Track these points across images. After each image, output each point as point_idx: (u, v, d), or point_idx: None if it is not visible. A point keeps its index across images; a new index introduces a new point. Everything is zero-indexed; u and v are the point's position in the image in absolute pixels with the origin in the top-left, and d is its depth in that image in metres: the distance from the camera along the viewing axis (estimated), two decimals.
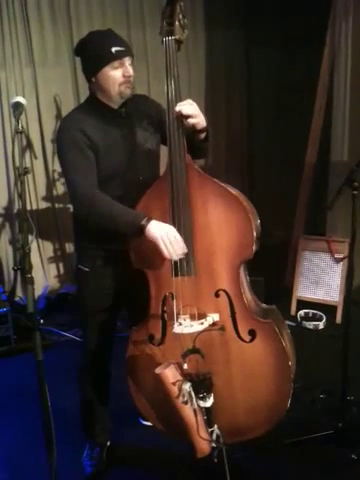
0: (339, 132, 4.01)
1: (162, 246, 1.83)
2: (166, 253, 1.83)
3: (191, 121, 1.88)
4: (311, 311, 3.85)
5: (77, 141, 1.94)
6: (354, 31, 3.81)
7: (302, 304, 3.90)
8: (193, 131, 1.94)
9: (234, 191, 1.90)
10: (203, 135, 2.00)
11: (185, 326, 1.86)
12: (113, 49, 1.92)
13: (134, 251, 1.98)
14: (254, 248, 1.86)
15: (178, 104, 1.87)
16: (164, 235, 1.83)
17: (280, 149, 4.78)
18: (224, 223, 1.87)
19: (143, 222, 1.84)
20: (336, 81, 3.98)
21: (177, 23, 1.86)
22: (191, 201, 1.88)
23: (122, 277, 2.11)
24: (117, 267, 2.10)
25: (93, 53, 1.96)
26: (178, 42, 1.88)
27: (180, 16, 1.87)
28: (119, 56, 1.93)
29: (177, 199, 1.87)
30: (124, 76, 1.95)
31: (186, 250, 1.86)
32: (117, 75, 1.95)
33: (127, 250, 1.98)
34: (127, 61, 1.96)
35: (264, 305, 2.08)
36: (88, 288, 2.18)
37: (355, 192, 2.22)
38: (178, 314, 1.90)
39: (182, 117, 1.87)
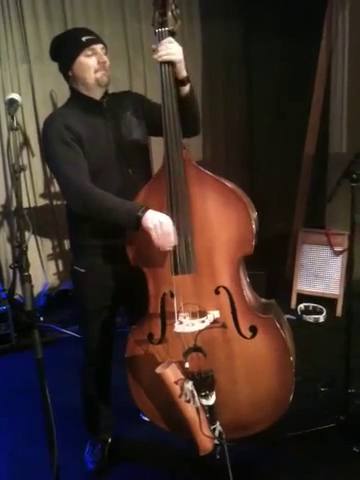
0: (337, 124, 4.00)
1: (154, 235, 1.81)
2: (156, 243, 1.82)
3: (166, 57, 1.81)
4: (311, 304, 3.84)
5: (63, 136, 1.93)
6: (351, 23, 3.79)
7: (302, 297, 3.90)
8: (176, 83, 1.88)
9: (231, 185, 1.88)
10: (187, 88, 1.94)
11: (186, 325, 1.84)
12: (83, 38, 1.98)
13: (131, 248, 1.95)
14: (254, 243, 1.84)
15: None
16: (158, 224, 1.81)
17: (279, 141, 4.76)
18: (223, 218, 1.85)
19: (139, 213, 1.82)
20: (334, 73, 3.97)
21: (170, 13, 1.83)
22: (189, 197, 1.86)
23: (120, 276, 2.09)
24: (114, 265, 2.08)
25: (65, 46, 2.01)
26: (171, 33, 1.85)
27: (173, 6, 1.83)
28: (89, 43, 1.98)
29: (175, 195, 1.84)
30: (98, 62, 1.98)
31: (176, 243, 1.84)
32: (91, 62, 1.98)
33: (124, 246, 1.96)
34: (99, 48, 2.00)
35: (264, 300, 2.08)
36: (85, 289, 2.16)
37: (354, 184, 2.21)
38: (178, 312, 1.88)
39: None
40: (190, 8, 4.47)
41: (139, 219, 1.82)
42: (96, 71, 1.98)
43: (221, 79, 4.75)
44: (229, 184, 1.88)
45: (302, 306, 3.84)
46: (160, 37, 1.84)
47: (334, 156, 4.05)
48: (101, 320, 2.17)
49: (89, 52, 1.97)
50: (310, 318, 3.70)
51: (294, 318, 3.72)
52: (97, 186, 1.94)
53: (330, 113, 4.04)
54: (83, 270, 2.13)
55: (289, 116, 4.53)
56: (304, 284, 3.92)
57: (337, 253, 3.77)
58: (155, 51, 1.84)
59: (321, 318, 3.69)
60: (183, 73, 1.89)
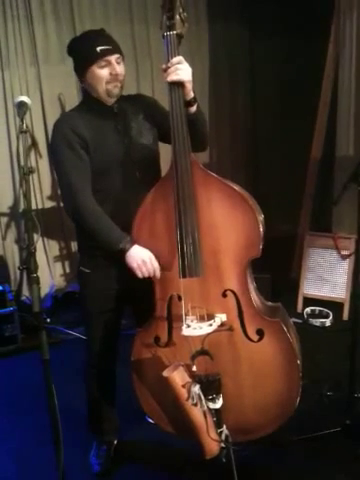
0: (344, 127, 3.99)
1: (138, 273, 1.93)
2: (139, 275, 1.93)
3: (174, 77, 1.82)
4: (318, 308, 3.83)
5: (69, 140, 1.95)
6: (359, 26, 3.78)
7: (309, 301, 3.89)
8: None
9: (238, 188, 1.89)
10: (194, 108, 1.94)
11: (194, 328, 1.84)
12: (98, 48, 1.93)
13: None
14: (261, 246, 1.84)
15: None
16: (141, 263, 1.91)
17: (285, 144, 4.76)
18: (231, 222, 1.84)
19: (121, 246, 1.92)
20: (341, 76, 3.96)
21: (177, 17, 1.83)
22: (197, 200, 1.85)
23: (125, 278, 2.08)
24: (119, 267, 2.06)
25: (80, 54, 2.00)
26: (179, 36, 1.85)
27: (180, 9, 1.84)
28: (104, 55, 1.94)
29: (183, 199, 1.85)
30: (111, 74, 1.96)
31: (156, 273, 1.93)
32: (104, 73, 1.96)
33: None
34: (114, 59, 1.96)
35: (270, 303, 2.07)
36: (90, 290, 2.17)
37: None
38: (186, 315, 1.88)
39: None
40: (197, 10, 4.49)
41: (123, 252, 1.92)
42: (108, 82, 1.97)
43: (228, 80, 4.77)
44: (236, 187, 1.88)
45: (308, 310, 3.83)
46: (168, 41, 1.84)
47: (341, 159, 4.04)
48: (105, 321, 2.18)
49: (103, 63, 1.95)
50: (316, 322, 3.69)
51: (300, 321, 3.71)
52: (101, 187, 1.97)
53: (337, 116, 4.04)
54: (88, 270, 2.14)
55: (295, 118, 4.52)
56: (310, 288, 3.90)
57: (344, 257, 3.76)
58: (165, 70, 1.84)
59: (327, 322, 3.68)
60: (190, 94, 1.89)
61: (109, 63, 1.96)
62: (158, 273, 1.93)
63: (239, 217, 1.84)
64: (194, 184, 1.85)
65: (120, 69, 1.99)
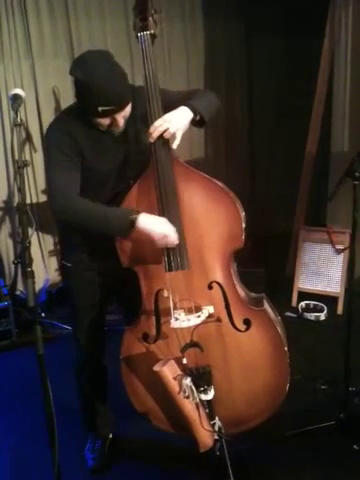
0: (339, 123, 4.00)
1: (156, 240, 1.81)
2: (158, 244, 1.82)
3: (168, 135, 1.84)
4: (312, 302, 3.85)
5: (63, 143, 1.88)
6: (354, 22, 3.78)
7: (303, 295, 3.90)
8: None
9: (219, 182, 1.91)
10: (196, 120, 1.92)
11: (182, 320, 1.85)
12: (100, 108, 1.81)
13: (123, 250, 1.94)
14: (244, 237, 1.87)
15: (151, 128, 1.84)
16: (157, 228, 1.80)
17: (281, 140, 4.76)
18: (213, 215, 1.88)
19: (132, 216, 1.78)
20: (336, 72, 3.96)
21: (150, 18, 1.90)
22: (178, 195, 1.87)
23: (108, 273, 2.07)
24: (102, 262, 2.06)
25: (81, 101, 1.89)
26: (153, 36, 1.91)
27: (152, 11, 1.91)
28: (106, 115, 1.84)
29: (165, 194, 1.86)
30: (111, 125, 1.89)
31: (178, 241, 1.85)
32: (105, 123, 1.88)
33: (113, 247, 1.93)
34: (117, 116, 1.86)
35: (253, 294, 2.10)
36: (73, 284, 2.17)
37: (356, 182, 2.22)
38: (174, 309, 1.88)
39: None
40: (193, 8, 4.46)
41: (133, 222, 1.78)
42: (109, 126, 1.90)
43: (223, 78, 4.75)
44: (216, 181, 1.91)
45: (303, 304, 3.85)
46: (142, 40, 1.89)
47: (336, 155, 4.05)
48: (91, 316, 2.17)
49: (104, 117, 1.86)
50: (311, 316, 3.71)
51: (295, 316, 3.73)
52: (93, 196, 1.88)
53: (332, 112, 4.05)
54: (70, 265, 2.14)
55: (291, 115, 4.53)
56: (305, 282, 3.92)
57: (338, 251, 3.78)
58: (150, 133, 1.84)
59: (322, 316, 3.70)
60: (182, 126, 1.86)
61: (112, 118, 1.87)
62: (175, 235, 1.83)
63: (221, 210, 1.87)
64: (175, 179, 1.87)
65: (123, 117, 1.89)
